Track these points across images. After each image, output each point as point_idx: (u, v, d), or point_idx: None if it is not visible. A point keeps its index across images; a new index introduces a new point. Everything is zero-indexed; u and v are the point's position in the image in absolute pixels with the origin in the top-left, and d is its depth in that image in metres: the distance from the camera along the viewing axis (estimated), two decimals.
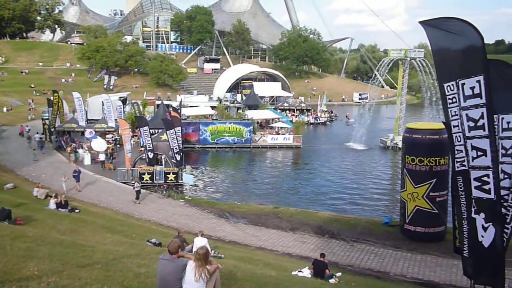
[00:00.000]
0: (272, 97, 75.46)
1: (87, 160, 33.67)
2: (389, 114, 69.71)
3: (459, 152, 9.45)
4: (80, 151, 35.05)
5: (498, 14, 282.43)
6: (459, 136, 9.30)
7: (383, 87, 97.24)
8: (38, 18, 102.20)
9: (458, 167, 9.60)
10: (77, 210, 21.23)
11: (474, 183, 9.14)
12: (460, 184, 9.64)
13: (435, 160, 18.35)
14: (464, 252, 10.20)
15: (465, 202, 9.59)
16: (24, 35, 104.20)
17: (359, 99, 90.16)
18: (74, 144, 36.38)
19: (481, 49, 8.41)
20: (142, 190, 25.25)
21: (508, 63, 9.51)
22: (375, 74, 58.37)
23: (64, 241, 12.00)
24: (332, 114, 68.14)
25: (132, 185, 25.35)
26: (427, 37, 9.36)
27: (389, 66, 49.45)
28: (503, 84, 9.15)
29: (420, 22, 9.26)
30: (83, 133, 38.61)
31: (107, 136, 39.38)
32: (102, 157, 32.84)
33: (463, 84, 8.81)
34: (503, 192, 9.41)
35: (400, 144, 31.63)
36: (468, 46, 8.56)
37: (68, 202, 21.63)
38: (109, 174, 31.10)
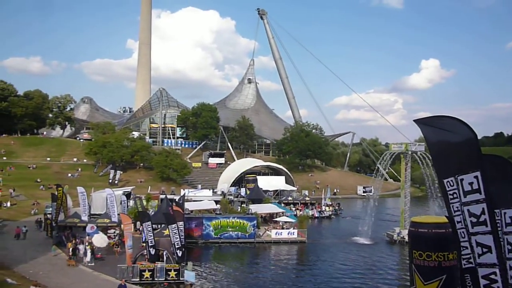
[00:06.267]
0: (276, 191, 75.39)
1: (88, 257, 32.91)
2: (394, 206, 69.12)
3: (464, 248, 9.26)
4: (80, 246, 34.40)
5: (493, 109, 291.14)
6: (463, 232, 9.18)
7: (386, 180, 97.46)
8: (50, 115, 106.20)
9: (465, 264, 9.35)
10: None
11: (483, 281, 8.84)
12: (469, 283, 9.31)
13: (443, 255, 17.70)
14: None
15: None
16: (35, 131, 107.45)
17: (363, 192, 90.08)
18: (76, 240, 35.80)
19: (475, 145, 8.59)
20: None
21: (502, 157, 9.63)
22: (377, 167, 58.81)
23: None
24: (338, 208, 67.52)
25: None
26: (423, 134, 9.63)
27: (391, 159, 49.99)
28: (501, 178, 9.21)
29: (415, 121, 9.58)
30: (85, 228, 38.18)
31: (109, 231, 38.88)
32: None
33: (461, 180, 8.87)
34: None
35: (407, 238, 30.91)
36: (462, 142, 8.76)
37: None
38: (107, 270, 30.19)
